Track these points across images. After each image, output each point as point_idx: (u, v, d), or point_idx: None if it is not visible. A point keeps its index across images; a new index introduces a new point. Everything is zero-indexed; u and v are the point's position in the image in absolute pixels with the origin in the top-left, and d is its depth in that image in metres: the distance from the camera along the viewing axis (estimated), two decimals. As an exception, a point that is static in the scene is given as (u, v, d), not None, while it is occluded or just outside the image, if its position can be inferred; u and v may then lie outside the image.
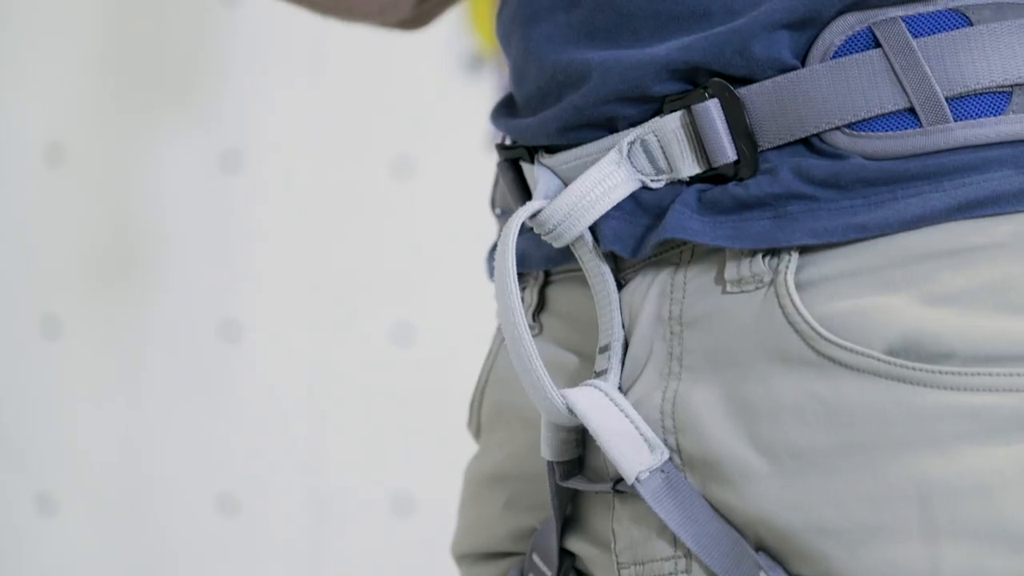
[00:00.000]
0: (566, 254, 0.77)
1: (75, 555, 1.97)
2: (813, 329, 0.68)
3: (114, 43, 1.95)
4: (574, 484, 0.77)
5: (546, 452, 0.76)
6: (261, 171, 1.93)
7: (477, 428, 0.89)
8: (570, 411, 0.73)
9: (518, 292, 0.73)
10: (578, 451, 0.77)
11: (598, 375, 0.75)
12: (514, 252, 0.74)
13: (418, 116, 1.91)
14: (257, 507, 1.94)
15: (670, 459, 0.72)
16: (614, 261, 0.76)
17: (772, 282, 0.69)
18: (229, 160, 1.92)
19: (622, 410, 0.73)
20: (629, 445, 0.72)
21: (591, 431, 0.72)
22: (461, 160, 1.89)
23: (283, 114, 1.93)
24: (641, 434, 0.72)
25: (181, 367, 1.94)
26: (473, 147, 1.89)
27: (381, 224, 1.94)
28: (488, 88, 1.91)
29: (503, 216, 0.88)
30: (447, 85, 1.92)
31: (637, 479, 0.71)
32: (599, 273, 0.76)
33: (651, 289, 0.74)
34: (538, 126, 0.77)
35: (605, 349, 0.75)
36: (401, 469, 1.91)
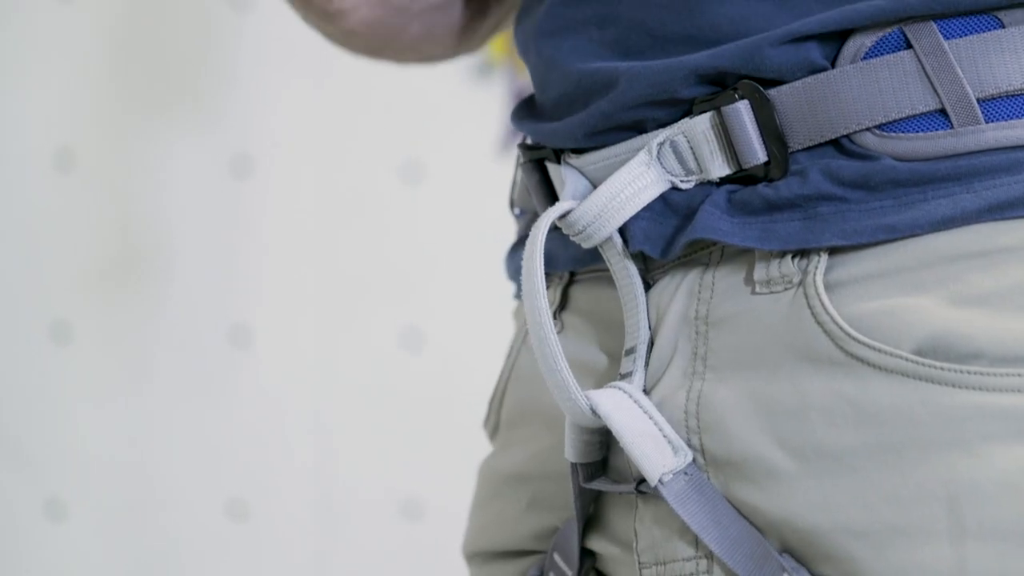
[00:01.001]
0: (593, 255, 0.77)
1: (84, 560, 1.97)
2: (842, 329, 0.68)
3: (124, 48, 1.96)
4: (598, 486, 0.77)
5: (570, 454, 0.77)
6: (271, 176, 1.93)
7: (495, 427, 0.89)
8: (594, 412, 0.73)
9: (545, 292, 0.73)
10: (602, 453, 0.77)
11: (623, 377, 0.75)
12: (542, 252, 0.74)
13: (427, 121, 1.92)
14: (266, 512, 1.94)
15: (693, 460, 0.72)
16: (643, 262, 0.76)
17: (801, 283, 0.70)
18: (239, 165, 1.93)
19: (646, 412, 0.73)
20: (652, 447, 0.72)
21: (614, 432, 0.72)
22: (470, 165, 1.89)
23: (293, 119, 1.93)
24: (665, 436, 0.72)
25: (190, 372, 1.94)
26: (482, 152, 1.90)
27: (390, 229, 1.94)
28: (497, 93, 1.91)
29: (522, 216, 0.88)
30: (456, 90, 1.92)
31: (660, 481, 0.71)
32: (627, 275, 0.76)
33: (679, 289, 0.74)
34: (565, 130, 0.77)
35: (631, 351, 0.75)
36: (410, 474, 1.91)
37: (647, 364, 0.74)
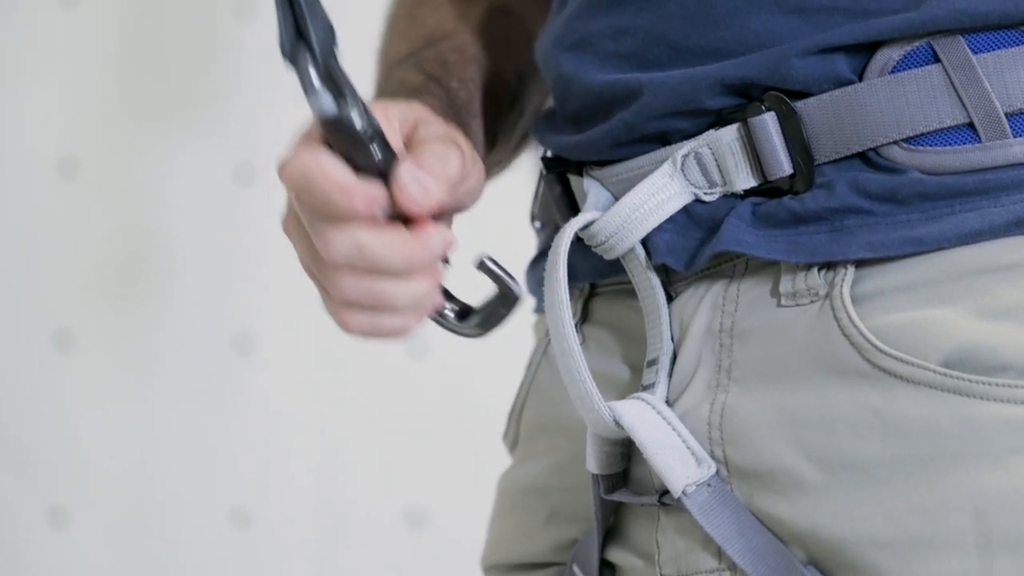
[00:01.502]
0: (615, 267, 0.77)
1: (86, 568, 1.96)
2: (869, 341, 0.68)
3: (127, 55, 1.95)
4: (619, 497, 0.77)
5: (592, 465, 0.76)
6: (275, 184, 1.93)
7: (514, 440, 0.88)
8: (617, 424, 0.73)
9: (568, 304, 0.73)
10: (623, 464, 0.77)
11: (645, 388, 0.75)
12: (565, 263, 0.74)
13: (432, 129, 1.91)
14: (269, 520, 1.94)
15: (716, 472, 0.72)
16: (665, 274, 0.76)
17: (828, 295, 0.70)
18: (243, 173, 1.92)
19: (669, 423, 0.73)
20: (676, 458, 0.72)
21: (638, 444, 0.72)
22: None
23: (296, 127, 1.93)
24: (688, 447, 0.72)
25: (194, 380, 1.94)
26: (486, 161, 1.89)
27: (395, 237, 1.93)
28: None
29: (543, 229, 0.88)
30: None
31: (684, 492, 0.71)
32: (649, 286, 0.76)
33: (703, 301, 0.74)
34: (587, 143, 0.77)
35: (653, 363, 0.75)
36: (414, 482, 1.90)
37: (670, 376, 0.75)
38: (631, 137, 0.75)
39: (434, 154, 0.68)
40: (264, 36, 1.98)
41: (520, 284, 0.73)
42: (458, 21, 0.89)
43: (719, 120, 0.73)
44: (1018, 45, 0.68)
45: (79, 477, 1.96)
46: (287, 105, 1.98)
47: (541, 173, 0.84)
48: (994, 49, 0.68)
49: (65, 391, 1.96)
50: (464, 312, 0.75)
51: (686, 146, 0.73)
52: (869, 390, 0.68)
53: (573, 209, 0.80)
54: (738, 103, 0.72)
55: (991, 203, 0.68)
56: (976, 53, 0.68)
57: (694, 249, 0.74)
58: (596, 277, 0.80)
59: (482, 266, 0.73)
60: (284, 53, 0.65)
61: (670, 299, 0.76)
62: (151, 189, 1.95)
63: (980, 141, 0.68)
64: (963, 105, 0.68)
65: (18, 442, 1.97)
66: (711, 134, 0.73)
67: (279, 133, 2.01)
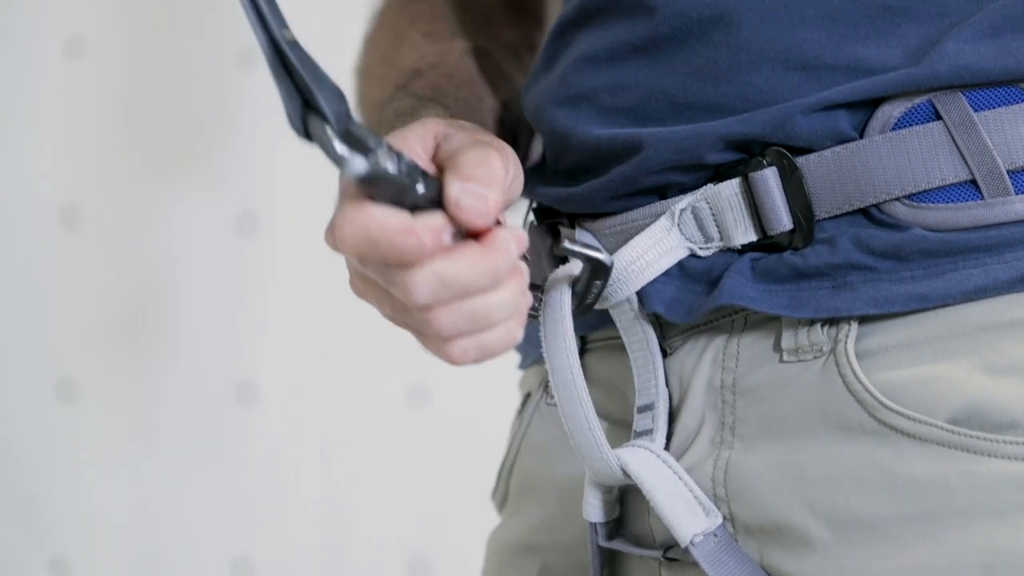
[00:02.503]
0: (604, 319, 0.77)
1: (88, 619, 1.96)
2: (874, 398, 0.68)
3: (130, 104, 1.96)
4: (618, 546, 0.77)
5: (591, 514, 0.76)
6: (277, 234, 1.93)
7: (503, 497, 0.88)
8: (624, 472, 0.73)
9: (576, 351, 0.73)
10: (617, 510, 0.77)
11: (639, 435, 0.75)
12: (570, 311, 0.74)
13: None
14: (272, 571, 1.93)
15: (722, 524, 0.72)
16: (659, 327, 0.76)
17: (832, 351, 0.70)
18: (245, 223, 1.93)
19: (675, 472, 0.73)
20: (684, 507, 0.72)
21: (645, 492, 0.72)
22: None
23: (298, 177, 1.94)
24: (695, 497, 0.72)
25: (197, 430, 1.94)
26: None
27: (397, 286, 1.93)
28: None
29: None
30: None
31: (691, 542, 0.71)
32: (639, 334, 0.75)
33: (703, 357, 0.74)
34: (582, 195, 0.77)
35: (646, 408, 0.75)
36: (416, 532, 1.90)
37: (669, 424, 0.74)
38: (628, 190, 0.75)
39: (474, 161, 0.65)
40: (268, 85, 1.98)
41: (606, 252, 0.72)
42: (440, 56, 0.88)
43: (718, 174, 0.73)
44: (1019, 103, 0.69)
45: (81, 527, 1.95)
46: (289, 155, 1.99)
47: (531, 225, 0.83)
48: (995, 107, 0.69)
49: (67, 441, 1.96)
50: None
51: (684, 200, 0.73)
52: (875, 447, 0.68)
53: (563, 260, 0.80)
54: (739, 158, 0.72)
55: (995, 260, 0.68)
56: (977, 111, 0.69)
57: (689, 303, 0.73)
58: (586, 330, 0.80)
59: (566, 251, 0.72)
60: (297, 129, 0.62)
61: (665, 353, 0.76)
62: (153, 239, 1.95)
63: (983, 198, 0.68)
64: (965, 162, 0.68)
65: (20, 492, 1.97)
66: (709, 188, 0.73)
67: (281, 183, 2.03)
